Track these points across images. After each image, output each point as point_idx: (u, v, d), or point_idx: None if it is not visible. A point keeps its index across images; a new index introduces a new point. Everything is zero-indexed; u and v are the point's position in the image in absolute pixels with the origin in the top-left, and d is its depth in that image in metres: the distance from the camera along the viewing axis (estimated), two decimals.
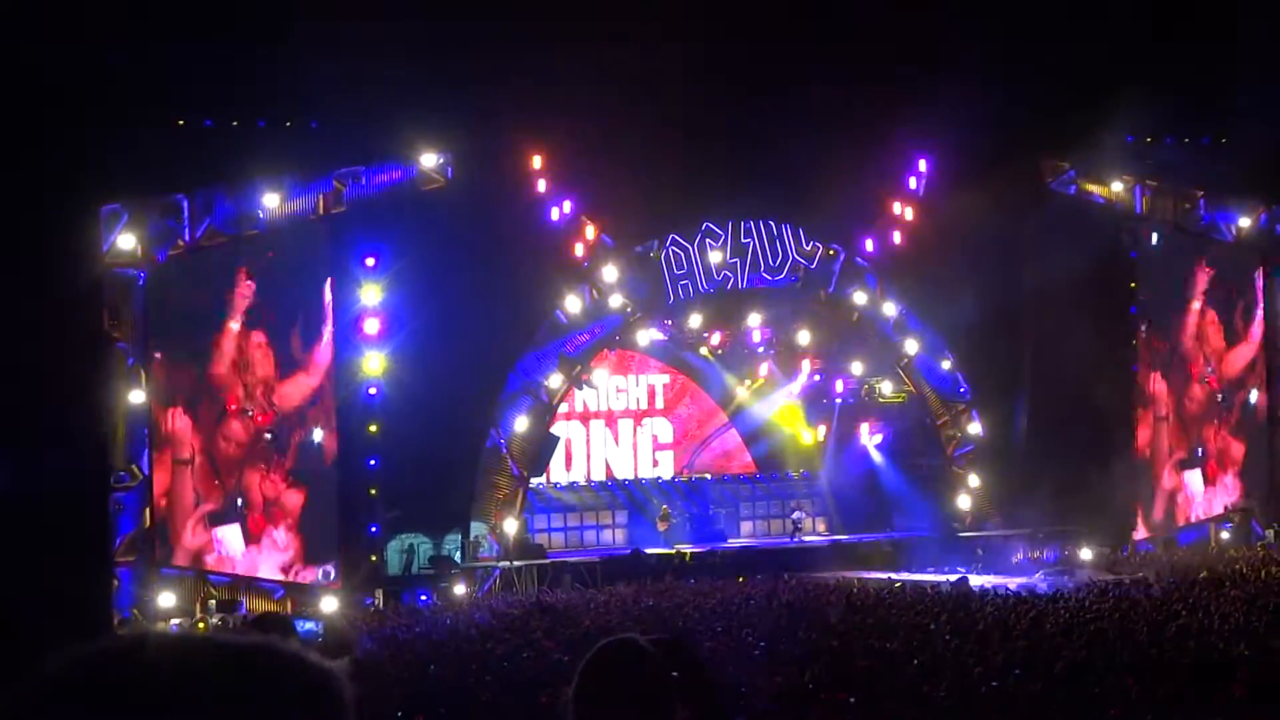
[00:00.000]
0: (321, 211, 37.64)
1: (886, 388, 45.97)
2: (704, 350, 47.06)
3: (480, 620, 29.38)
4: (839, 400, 47.71)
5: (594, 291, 41.52)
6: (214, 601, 35.36)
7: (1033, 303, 42.17)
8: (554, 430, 43.19)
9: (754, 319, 44.80)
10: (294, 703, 1.72)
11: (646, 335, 44.44)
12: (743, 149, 40.39)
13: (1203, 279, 46.41)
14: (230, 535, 36.58)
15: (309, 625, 33.82)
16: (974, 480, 45.03)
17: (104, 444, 34.67)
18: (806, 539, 45.81)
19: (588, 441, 47.36)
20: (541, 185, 40.34)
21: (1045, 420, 42.50)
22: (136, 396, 35.42)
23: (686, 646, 4.29)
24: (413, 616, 32.55)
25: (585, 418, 47.17)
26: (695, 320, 43.87)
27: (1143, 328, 45.42)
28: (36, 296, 31.10)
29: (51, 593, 28.37)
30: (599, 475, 47.24)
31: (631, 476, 47.57)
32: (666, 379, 48.39)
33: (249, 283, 36.66)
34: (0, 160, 30.56)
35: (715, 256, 42.55)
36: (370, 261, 37.72)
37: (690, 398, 48.79)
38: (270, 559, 36.98)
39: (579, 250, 40.95)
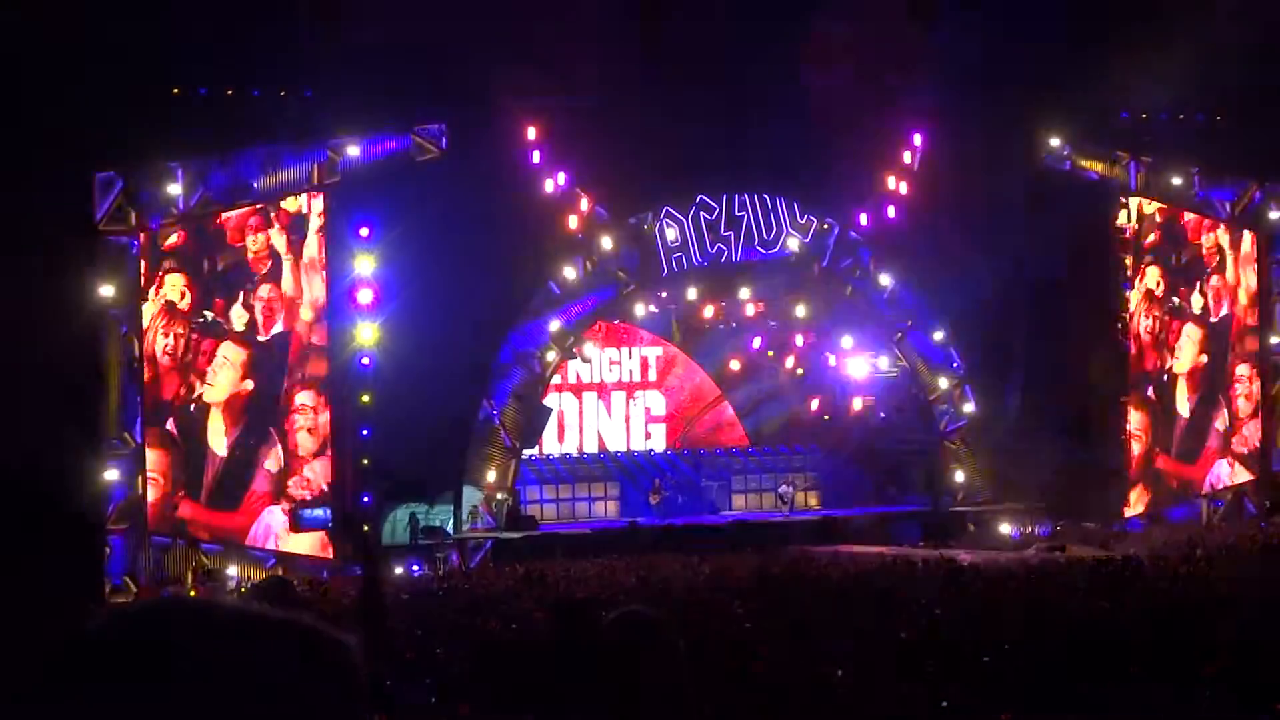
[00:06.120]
0: (315, 181, 37.57)
1: (881, 362, 45.96)
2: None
3: (470, 591, 29.41)
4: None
5: (588, 263, 41.43)
6: (205, 570, 35.38)
7: (1026, 278, 42.16)
8: (547, 402, 43.19)
9: (746, 292, 44.69)
10: (312, 676, 1.73)
11: (640, 307, 44.39)
12: (737, 122, 40.33)
13: (1199, 256, 46.41)
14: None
15: (318, 512, 34.82)
16: (966, 455, 45.02)
17: (97, 411, 34.67)
18: (798, 512, 45.87)
19: (580, 414, 47.41)
20: (536, 156, 40.25)
21: (1038, 395, 42.49)
22: (130, 365, 35.38)
23: (652, 619, 4.29)
24: (404, 585, 32.58)
25: (578, 390, 47.21)
26: (690, 293, 43.81)
27: (1135, 303, 45.37)
28: (29, 263, 31.10)
29: (44, 560, 28.42)
30: (591, 448, 47.31)
31: (624, 449, 47.64)
32: (660, 351, 48.43)
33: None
34: None
35: (709, 229, 42.43)
36: (364, 232, 37.69)
37: (683, 370, 48.83)
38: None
39: (573, 222, 40.86)
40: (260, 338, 36.98)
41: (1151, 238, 45.37)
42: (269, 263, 37.08)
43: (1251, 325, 47.01)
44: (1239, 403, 46.90)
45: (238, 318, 36.66)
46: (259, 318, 36.93)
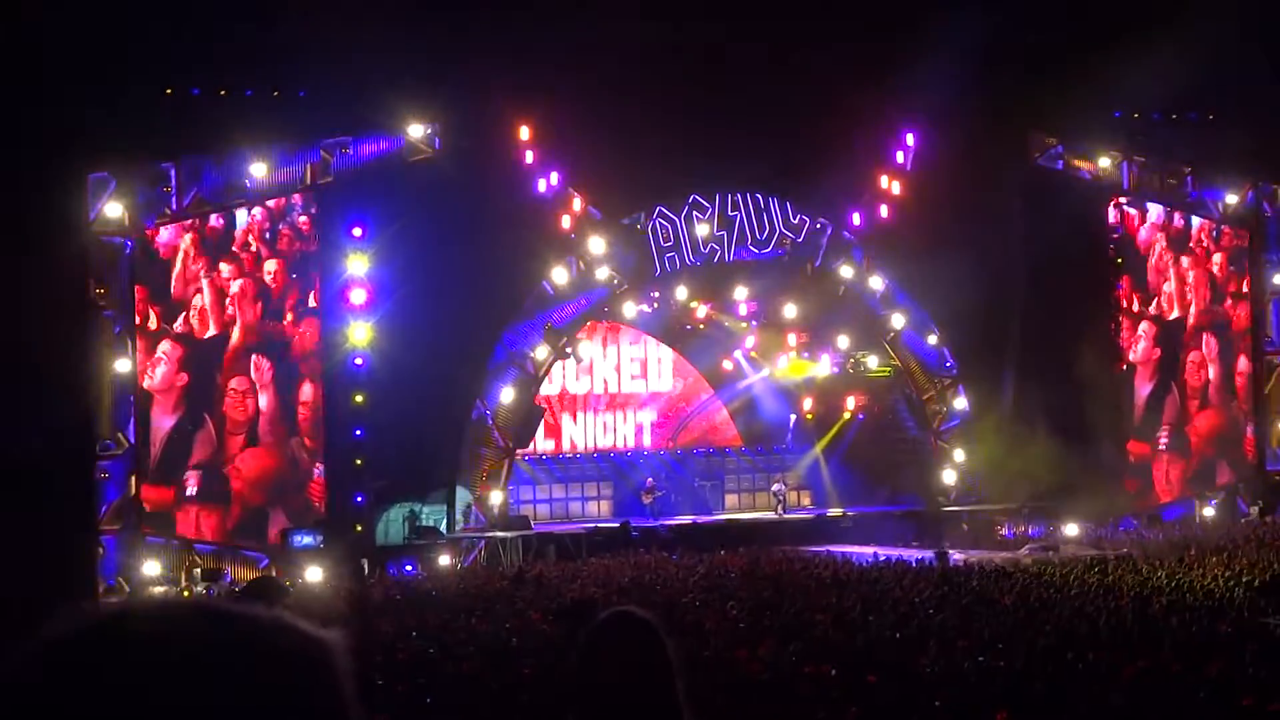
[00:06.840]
0: (308, 181, 37.57)
1: (872, 361, 45.86)
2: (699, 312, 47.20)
3: (464, 591, 29.40)
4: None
5: (581, 263, 41.39)
6: (199, 570, 35.39)
7: (1019, 277, 42.14)
8: (540, 402, 43.13)
9: (740, 292, 44.54)
10: (289, 674, 1.72)
11: (633, 307, 44.22)
12: (731, 122, 40.24)
13: (1189, 256, 46.54)
14: None
15: (307, 539, 34.84)
16: (959, 455, 45.01)
17: (90, 412, 34.65)
18: (791, 512, 45.81)
19: (574, 413, 47.32)
20: (529, 157, 40.19)
21: (1031, 395, 42.47)
22: (123, 365, 35.48)
23: (642, 619, 4.29)
24: (397, 586, 32.55)
25: (571, 389, 47.12)
26: (682, 292, 43.66)
27: (1127, 302, 45.51)
28: (22, 263, 31.06)
29: (37, 560, 28.37)
30: (584, 447, 47.21)
31: (617, 448, 47.56)
32: (653, 351, 48.33)
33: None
34: None
35: (702, 229, 42.36)
36: (357, 232, 37.65)
37: (676, 370, 48.76)
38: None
39: (566, 222, 40.80)
40: (196, 338, 37.25)
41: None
42: (198, 279, 37.33)
43: (1203, 323, 47.08)
44: (1190, 386, 47.13)
45: (175, 323, 37.15)
46: (194, 324, 37.23)
